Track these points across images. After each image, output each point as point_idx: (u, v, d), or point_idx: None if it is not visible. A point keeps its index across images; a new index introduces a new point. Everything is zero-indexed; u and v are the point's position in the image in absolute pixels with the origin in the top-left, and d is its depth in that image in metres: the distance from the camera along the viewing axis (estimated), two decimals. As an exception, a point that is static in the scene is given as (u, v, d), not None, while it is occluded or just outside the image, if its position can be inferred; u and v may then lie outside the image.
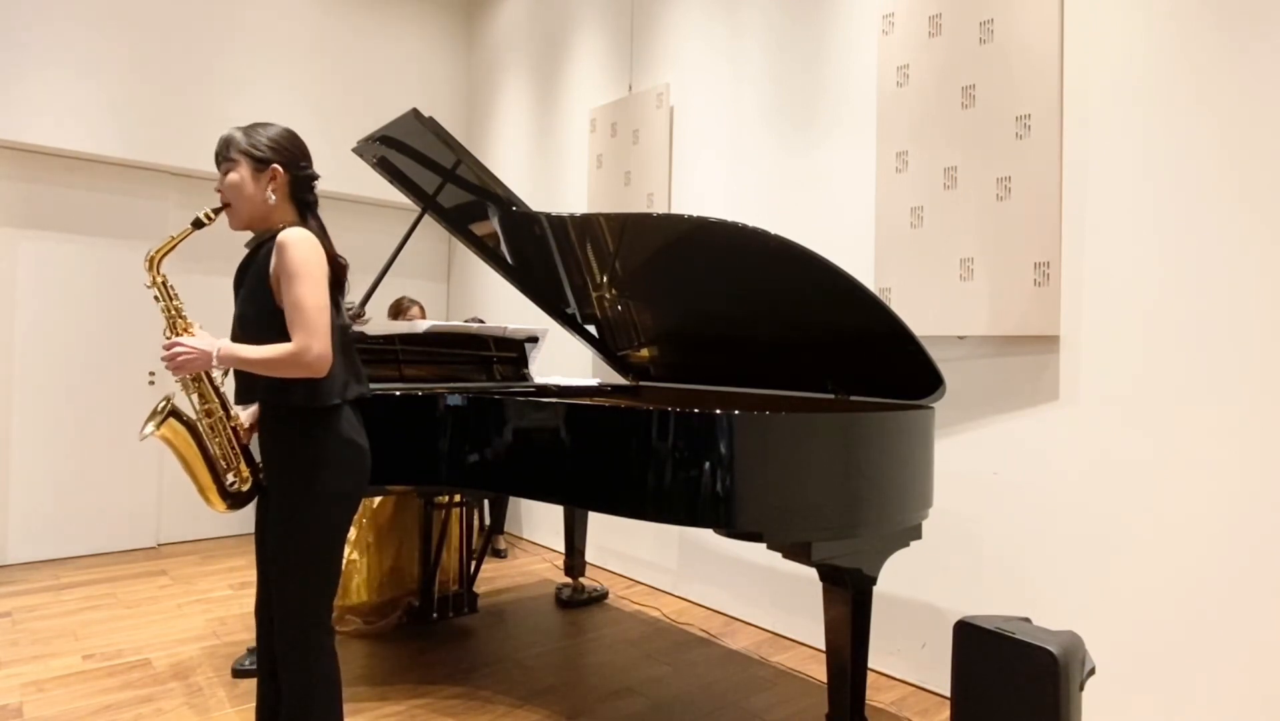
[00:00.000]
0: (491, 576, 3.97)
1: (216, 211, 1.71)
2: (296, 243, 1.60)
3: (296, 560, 1.64)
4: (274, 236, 1.65)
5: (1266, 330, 1.98)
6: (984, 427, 2.56)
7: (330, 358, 1.60)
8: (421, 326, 2.95)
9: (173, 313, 1.66)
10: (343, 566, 1.76)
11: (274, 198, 1.70)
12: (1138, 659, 2.18)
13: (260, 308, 1.64)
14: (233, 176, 1.68)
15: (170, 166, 4.38)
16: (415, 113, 2.53)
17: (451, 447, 2.37)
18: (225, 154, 1.69)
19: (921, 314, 2.63)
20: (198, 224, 1.69)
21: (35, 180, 4.11)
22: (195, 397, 1.71)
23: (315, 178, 1.77)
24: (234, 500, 1.73)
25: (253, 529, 1.78)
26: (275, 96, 4.73)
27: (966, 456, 2.60)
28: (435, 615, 3.23)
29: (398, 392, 2.40)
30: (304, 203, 1.76)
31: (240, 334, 1.67)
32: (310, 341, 1.56)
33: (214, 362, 1.58)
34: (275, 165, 1.69)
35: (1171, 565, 2.12)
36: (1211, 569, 2.05)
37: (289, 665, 1.65)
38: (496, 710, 2.47)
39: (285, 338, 1.59)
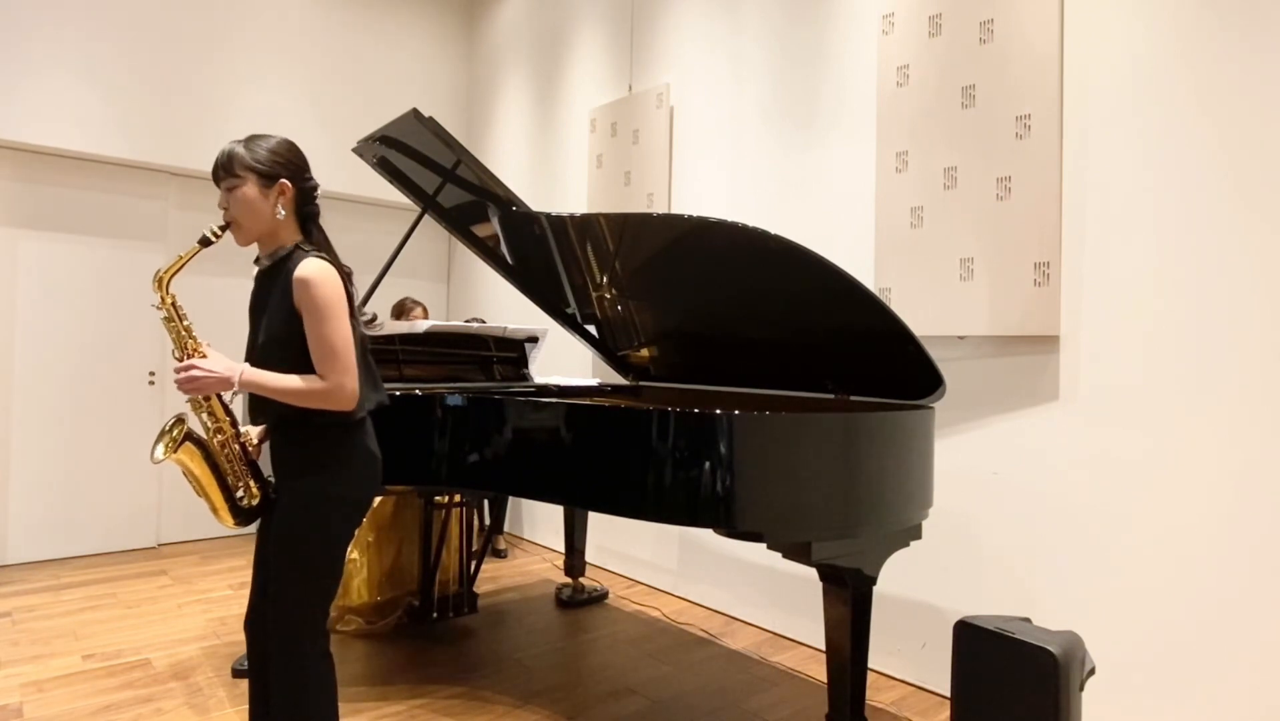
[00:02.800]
0: (491, 576, 3.97)
1: (223, 229, 1.67)
2: (318, 280, 1.59)
3: (301, 564, 1.63)
4: (288, 257, 1.65)
5: (1266, 329, 1.98)
6: (984, 427, 2.56)
7: (359, 393, 1.63)
8: (421, 327, 2.95)
9: (183, 333, 1.63)
10: (343, 570, 1.75)
11: (283, 213, 1.68)
12: (1138, 659, 2.18)
13: (284, 334, 1.63)
14: (241, 193, 1.64)
15: (170, 166, 4.38)
16: (415, 112, 2.53)
17: (451, 448, 2.37)
18: (229, 170, 1.65)
19: (921, 314, 2.63)
20: (205, 242, 1.66)
21: (35, 180, 4.10)
22: (205, 416, 1.69)
23: (317, 188, 1.76)
24: (244, 516, 1.73)
25: (252, 529, 1.78)
26: (275, 96, 4.73)
27: (966, 456, 2.60)
28: (435, 615, 3.23)
29: (398, 393, 2.39)
30: (307, 215, 1.74)
31: (260, 359, 1.65)
32: (343, 380, 1.59)
33: (234, 388, 1.57)
34: (283, 180, 1.67)
35: (1171, 564, 2.12)
36: (1211, 568, 2.05)
37: (283, 668, 1.63)
38: (496, 710, 2.47)
39: (310, 361, 1.61)
